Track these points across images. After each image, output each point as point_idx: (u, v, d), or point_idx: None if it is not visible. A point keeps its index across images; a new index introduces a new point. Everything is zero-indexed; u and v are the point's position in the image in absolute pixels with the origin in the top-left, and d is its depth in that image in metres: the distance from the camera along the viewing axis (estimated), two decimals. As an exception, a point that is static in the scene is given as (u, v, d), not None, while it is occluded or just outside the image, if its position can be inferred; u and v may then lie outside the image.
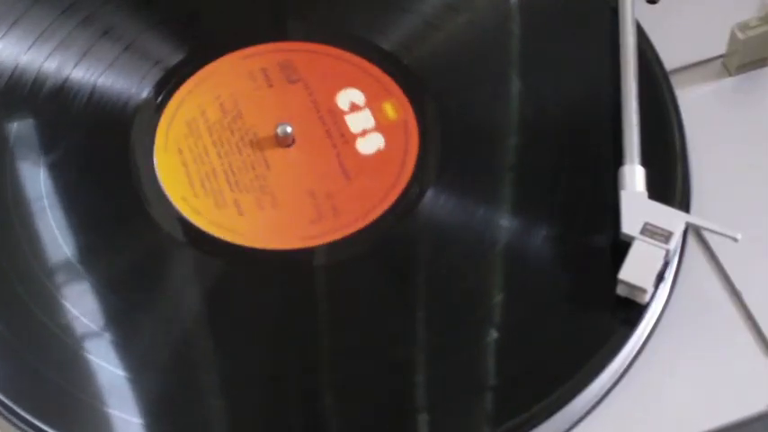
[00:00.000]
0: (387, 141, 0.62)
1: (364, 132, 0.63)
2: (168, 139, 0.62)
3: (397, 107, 0.63)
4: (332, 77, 0.64)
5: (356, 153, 0.62)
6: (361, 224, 0.59)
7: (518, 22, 0.67)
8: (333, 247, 0.59)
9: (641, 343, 0.57)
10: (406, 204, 0.60)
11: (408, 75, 0.64)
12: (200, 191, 0.60)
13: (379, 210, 0.60)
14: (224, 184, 0.61)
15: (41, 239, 0.59)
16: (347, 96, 0.64)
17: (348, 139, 0.63)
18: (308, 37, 0.66)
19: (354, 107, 0.64)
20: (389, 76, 0.64)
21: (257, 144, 0.62)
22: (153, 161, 0.62)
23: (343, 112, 0.64)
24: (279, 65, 0.65)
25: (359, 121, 0.63)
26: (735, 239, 0.57)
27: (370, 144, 0.63)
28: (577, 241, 0.59)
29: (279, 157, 0.62)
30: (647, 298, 0.56)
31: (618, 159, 0.60)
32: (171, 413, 0.54)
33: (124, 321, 0.57)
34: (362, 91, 0.64)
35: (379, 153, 0.62)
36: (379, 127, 0.63)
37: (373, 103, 0.64)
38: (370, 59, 0.65)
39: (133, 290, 0.58)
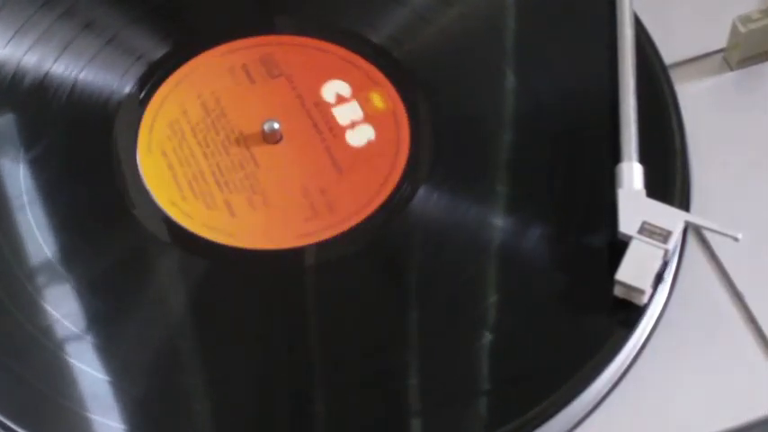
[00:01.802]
0: (377, 132, 0.62)
1: (353, 124, 0.63)
2: (152, 139, 0.62)
3: (384, 97, 0.63)
4: (316, 70, 0.64)
5: (346, 146, 0.62)
6: (352, 222, 0.59)
7: (512, 15, 0.67)
8: (324, 246, 0.58)
9: (639, 346, 0.57)
10: (397, 202, 0.60)
11: (399, 68, 0.64)
12: (189, 194, 0.60)
13: (370, 207, 0.59)
14: (213, 185, 0.60)
15: (21, 239, 0.59)
16: (332, 88, 0.64)
17: (337, 132, 0.62)
18: (295, 30, 0.66)
19: (341, 99, 0.63)
20: (380, 70, 0.64)
21: (244, 142, 0.62)
22: (136, 158, 0.61)
23: (329, 105, 0.63)
24: (260, 60, 0.64)
25: (346, 113, 0.63)
26: (735, 239, 0.57)
27: (360, 136, 0.62)
28: (573, 241, 0.59)
29: (267, 154, 0.61)
30: (645, 299, 0.56)
31: (615, 156, 0.60)
32: (156, 419, 0.54)
33: (107, 324, 0.56)
34: (348, 82, 0.64)
35: (369, 144, 0.62)
36: (367, 118, 0.63)
37: (360, 94, 0.63)
38: (359, 53, 0.64)
39: (116, 292, 0.57)
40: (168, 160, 0.61)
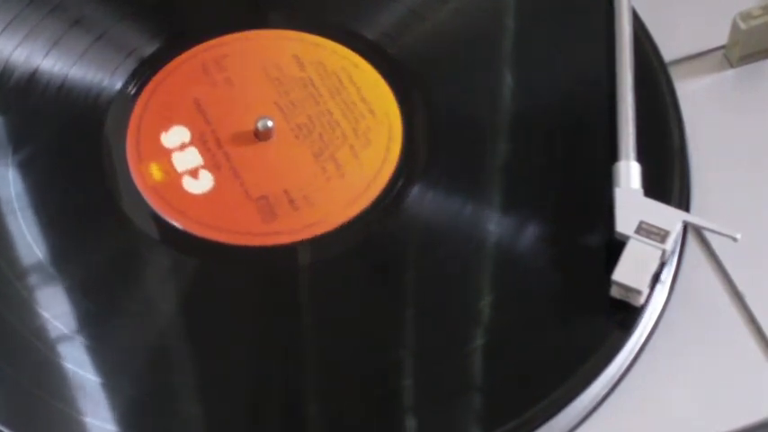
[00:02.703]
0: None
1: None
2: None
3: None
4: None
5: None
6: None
7: (509, 11, 0.66)
8: (317, 245, 0.58)
9: (637, 348, 0.57)
10: (391, 200, 0.59)
11: (394, 65, 0.64)
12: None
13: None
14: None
15: (11, 239, 0.59)
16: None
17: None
18: (288, 26, 0.65)
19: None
20: (374, 67, 0.64)
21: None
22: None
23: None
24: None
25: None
26: (734, 239, 0.56)
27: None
28: (570, 240, 0.58)
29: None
30: (642, 300, 0.55)
31: (613, 155, 0.60)
32: (148, 420, 0.54)
33: (99, 325, 0.56)
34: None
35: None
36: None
37: None
38: (354, 49, 0.64)
39: (108, 292, 0.57)
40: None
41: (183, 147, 0.61)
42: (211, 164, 0.61)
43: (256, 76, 0.64)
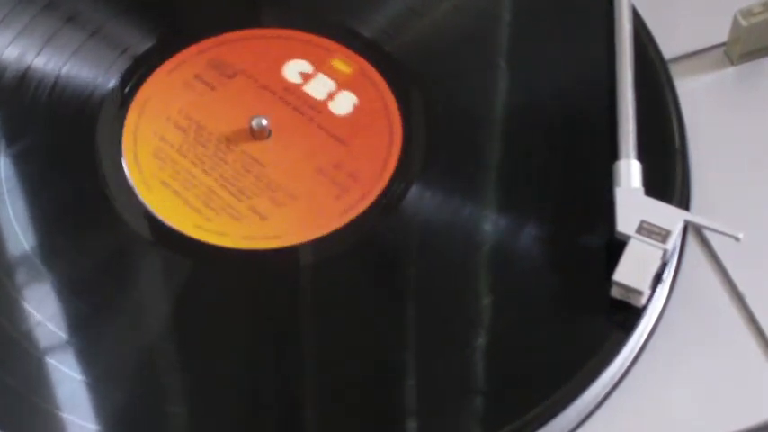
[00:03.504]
0: (358, 95, 0.63)
1: (331, 95, 0.63)
2: (144, 172, 0.61)
3: (346, 60, 0.64)
4: (268, 58, 0.64)
5: (335, 117, 0.62)
6: (342, 221, 0.59)
7: (507, 8, 0.66)
8: (315, 246, 0.58)
9: (638, 349, 0.57)
10: (389, 200, 0.59)
11: (391, 63, 0.64)
12: (210, 213, 0.59)
13: (362, 205, 0.59)
14: (228, 197, 0.60)
15: (1, 238, 0.59)
16: (293, 69, 0.64)
17: (320, 108, 0.62)
18: (282, 23, 0.65)
19: (306, 76, 0.64)
20: (371, 65, 0.64)
21: (236, 146, 0.61)
22: (120, 154, 0.61)
23: (298, 86, 0.63)
24: (209, 65, 0.64)
25: (319, 87, 0.63)
26: (736, 239, 0.56)
27: (343, 103, 0.63)
28: (570, 240, 0.58)
29: (265, 151, 0.61)
30: (643, 301, 0.55)
31: (613, 154, 0.60)
32: (141, 423, 0.54)
33: (90, 327, 0.56)
34: (305, 59, 0.64)
35: (357, 108, 0.62)
36: (341, 85, 0.63)
37: (322, 66, 0.64)
38: (349, 46, 0.64)
39: (99, 293, 0.57)
40: (172, 188, 0.60)
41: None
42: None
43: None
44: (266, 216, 0.59)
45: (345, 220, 0.59)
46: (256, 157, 0.61)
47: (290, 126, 0.62)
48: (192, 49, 0.64)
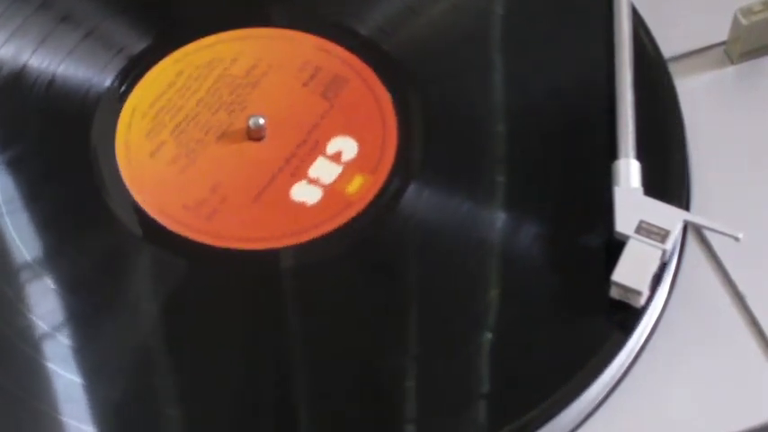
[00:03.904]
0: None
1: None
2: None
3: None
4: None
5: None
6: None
7: (506, 6, 0.66)
8: (311, 246, 0.58)
9: (637, 350, 0.57)
10: (386, 200, 0.59)
11: (388, 62, 0.64)
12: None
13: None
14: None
15: None
16: None
17: None
18: (281, 23, 0.65)
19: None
20: (367, 63, 0.63)
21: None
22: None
23: None
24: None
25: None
26: (736, 239, 0.56)
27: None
28: (568, 240, 0.58)
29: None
30: (642, 301, 0.55)
31: (612, 153, 0.59)
32: (135, 424, 0.54)
33: (85, 326, 0.56)
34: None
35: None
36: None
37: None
38: (346, 46, 0.64)
39: (96, 293, 0.57)
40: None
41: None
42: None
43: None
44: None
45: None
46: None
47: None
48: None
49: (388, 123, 0.61)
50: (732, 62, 0.65)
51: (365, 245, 0.58)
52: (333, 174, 0.60)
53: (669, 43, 0.65)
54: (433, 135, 0.61)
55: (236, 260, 0.57)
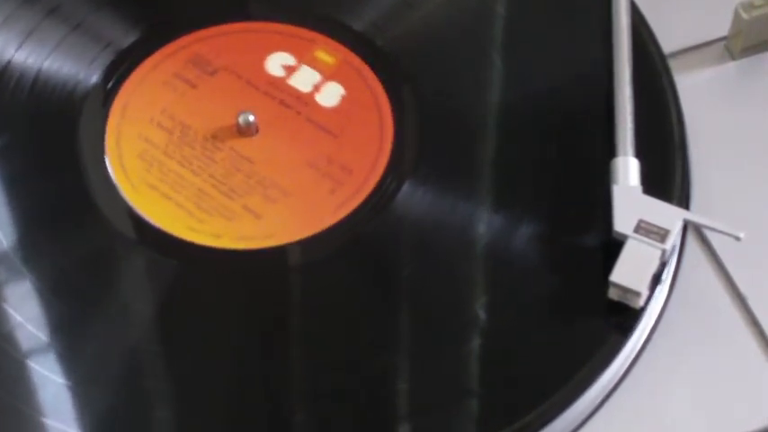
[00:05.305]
0: (344, 86, 0.63)
1: (317, 87, 0.63)
2: (129, 173, 0.60)
3: (329, 50, 0.64)
4: (249, 53, 0.64)
5: (323, 109, 0.62)
6: (333, 219, 0.58)
7: (502, 1, 0.66)
8: (305, 247, 0.58)
9: (636, 352, 0.57)
10: (380, 198, 0.59)
11: (382, 57, 0.64)
12: (203, 215, 0.59)
13: (352, 203, 0.59)
14: (220, 196, 0.59)
15: None
16: (275, 62, 0.64)
17: (306, 100, 0.62)
18: (273, 17, 0.65)
19: (289, 69, 0.63)
20: (362, 59, 0.63)
21: (223, 144, 0.61)
22: (103, 151, 0.61)
23: (282, 79, 0.63)
24: (189, 62, 0.64)
25: (304, 80, 0.63)
26: (737, 238, 0.56)
27: (330, 95, 0.63)
28: (566, 240, 0.58)
29: (254, 147, 0.61)
30: (641, 302, 0.55)
31: (610, 151, 0.60)
32: (124, 428, 0.53)
33: (72, 329, 0.56)
34: (287, 51, 0.64)
35: (344, 99, 0.62)
36: (327, 76, 0.63)
37: (305, 57, 0.64)
38: (341, 41, 0.64)
39: (82, 294, 0.57)
40: (161, 191, 0.59)
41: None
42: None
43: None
44: (260, 215, 0.58)
45: (340, 215, 0.58)
46: (245, 155, 0.60)
47: (278, 121, 0.61)
48: (175, 44, 0.64)
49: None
50: (733, 58, 0.66)
51: (363, 242, 0.58)
52: (309, 74, 0.62)
53: (669, 39, 0.65)
54: (428, 132, 0.61)
55: (231, 260, 0.57)
